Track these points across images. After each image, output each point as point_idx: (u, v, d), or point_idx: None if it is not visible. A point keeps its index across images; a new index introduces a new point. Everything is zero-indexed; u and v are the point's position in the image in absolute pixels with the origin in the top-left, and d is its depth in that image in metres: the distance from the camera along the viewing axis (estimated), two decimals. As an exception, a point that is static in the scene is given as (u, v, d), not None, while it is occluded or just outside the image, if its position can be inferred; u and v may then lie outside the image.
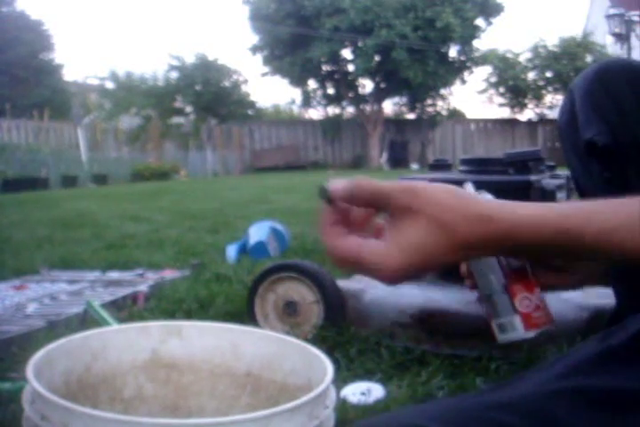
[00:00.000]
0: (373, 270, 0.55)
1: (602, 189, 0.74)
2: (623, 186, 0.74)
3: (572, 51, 21.22)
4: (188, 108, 23.77)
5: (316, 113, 25.56)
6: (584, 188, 0.87)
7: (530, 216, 0.53)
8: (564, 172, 1.75)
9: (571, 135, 0.85)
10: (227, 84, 23.72)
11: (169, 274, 2.67)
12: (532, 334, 0.72)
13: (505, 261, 0.73)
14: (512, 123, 23.21)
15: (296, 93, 34.42)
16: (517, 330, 0.72)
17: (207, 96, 22.62)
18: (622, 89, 0.79)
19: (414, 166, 20.21)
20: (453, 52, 22.29)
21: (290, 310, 1.78)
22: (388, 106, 24.59)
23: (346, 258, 0.56)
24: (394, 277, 0.54)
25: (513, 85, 22.26)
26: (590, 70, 0.84)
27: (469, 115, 23.02)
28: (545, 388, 0.58)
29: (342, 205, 0.59)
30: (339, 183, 0.58)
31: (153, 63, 57.86)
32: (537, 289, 0.74)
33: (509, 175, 1.68)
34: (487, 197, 0.69)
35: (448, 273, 1.71)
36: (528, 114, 23.50)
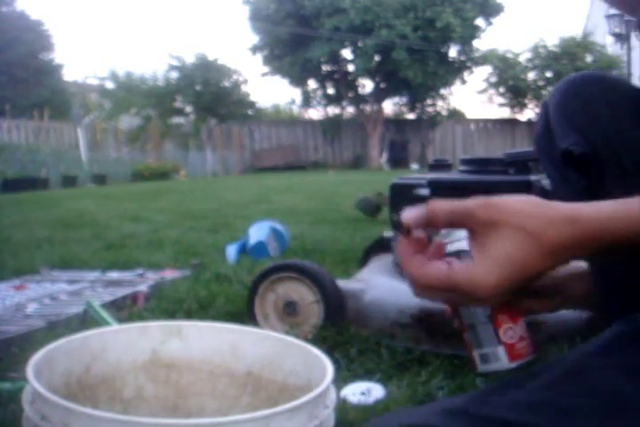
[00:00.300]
0: (470, 292, 0.54)
1: (580, 197, 0.75)
2: (600, 193, 0.75)
3: (571, 51, 21.23)
4: (188, 108, 23.77)
5: (315, 113, 25.59)
6: (563, 197, 0.88)
7: (616, 212, 0.53)
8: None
9: (546, 147, 0.86)
10: (227, 84, 23.72)
11: (169, 274, 2.67)
12: (514, 364, 0.72)
13: None
14: (512, 123, 23.22)
15: (296, 93, 34.42)
16: (501, 361, 0.72)
17: (207, 96, 22.62)
18: (596, 100, 0.79)
19: (414, 166, 20.20)
20: (453, 52, 22.31)
21: (290, 310, 1.78)
22: (388, 106, 24.62)
23: (437, 285, 0.56)
24: (493, 294, 0.54)
25: (513, 85, 22.26)
26: (563, 83, 0.84)
27: (469, 115, 23.04)
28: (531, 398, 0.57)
29: (418, 234, 0.59)
30: (412, 212, 0.57)
31: (153, 63, 57.85)
32: (521, 319, 0.74)
33: (509, 175, 1.68)
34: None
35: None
36: (528, 114, 23.51)
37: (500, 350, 0.72)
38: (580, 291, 0.80)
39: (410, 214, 0.57)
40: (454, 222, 0.56)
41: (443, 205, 0.56)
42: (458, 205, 0.55)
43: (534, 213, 0.53)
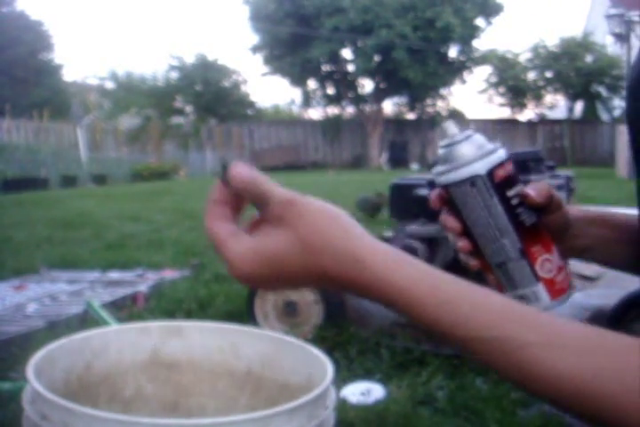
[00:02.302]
0: (227, 265, 0.53)
1: None
2: None
3: (571, 51, 21.22)
4: (188, 108, 23.77)
5: (315, 113, 25.59)
6: None
7: (401, 280, 0.49)
8: (563, 172, 1.76)
9: None
10: (227, 84, 23.72)
11: (169, 274, 2.67)
12: (558, 303, 0.63)
13: (519, 216, 0.62)
14: (512, 123, 23.21)
15: (296, 93, 34.45)
16: (542, 300, 0.63)
17: (207, 96, 22.62)
18: None
19: (414, 166, 20.21)
20: (453, 52, 22.31)
21: (290, 310, 1.78)
22: (388, 106, 24.61)
23: (212, 242, 0.54)
24: (239, 278, 0.52)
25: (513, 85, 22.26)
26: None
27: (469, 115, 23.00)
28: None
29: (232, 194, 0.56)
30: (241, 169, 0.54)
31: (153, 63, 57.87)
32: (554, 246, 0.64)
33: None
34: (471, 135, 0.62)
35: (448, 273, 1.72)
36: (528, 114, 23.51)
37: (540, 287, 0.62)
38: (598, 239, 0.71)
39: (240, 171, 0.53)
40: (255, 202, 0.54)
41: (255, 182, 0.53)
42: (265, 189, 0.53)
43: (326, 235, 0.50)
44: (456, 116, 24.00)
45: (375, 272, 0.49)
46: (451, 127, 0.62)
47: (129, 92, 22.37)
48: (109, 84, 23.47)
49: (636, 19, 16.69)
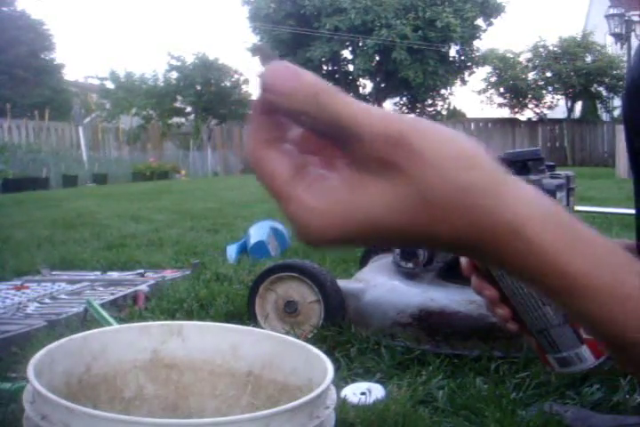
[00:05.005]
0: (295, 223, 0.36)
1: None
2: None
3: (572, 51, 21.21)
4: (188, 108, 23.76)
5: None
6: None
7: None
8: (563, 172, 1.76)
9: None
10: (227, 84, 23.72)
11: (169, 274, 2.67)
12: (601, 360, 0.61)
13: None
14: (512, 123, 23.19)
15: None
16: (586, 361, 0.61)
17: (207, 96, 22.62)
18: None
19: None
20: (453, 52, 22.30)
21: (290, 310, 1.78)
22: (388, 106, 24.59)
23: (269, 189, 0.37)
24: (314, 241, 0.36)
25: (513, 85, 22.24)
26: None
27: (469, 115, 22.98)
28: None
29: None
30: (286, 75, 0.34)
31: (153, 63, 57.87)
32: None
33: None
34: None
35: (448, 273, 1.71)
36: (528, 114, 23.49)
37: (584, 349, 0.60)
38: None
39: (283, 79, 0.34)
40: (337, 135, 0.34)
41: (336, 106, 0.34)
42: (356, 121, 0.33)
43: (463, 187, 0.33)
44: (456, 115, 23.99)
45: (536, 248, 0.35)
46: None
47: (129, 93, 22.35)
48: (110, 85, 23.46)
49: (636, 19, 16.68)
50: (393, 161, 0.33)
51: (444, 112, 23.53)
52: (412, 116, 0.36)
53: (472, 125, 23.50)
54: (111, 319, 1.67)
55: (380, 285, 1.78)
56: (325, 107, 0.33)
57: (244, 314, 1.86)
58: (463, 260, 0.63)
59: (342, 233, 0.35)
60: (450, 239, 0.35)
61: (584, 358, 0.60)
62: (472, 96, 29.63)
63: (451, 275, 1.70)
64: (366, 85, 23.41)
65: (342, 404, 1.24)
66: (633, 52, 0.73)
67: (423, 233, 0.35)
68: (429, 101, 23.46)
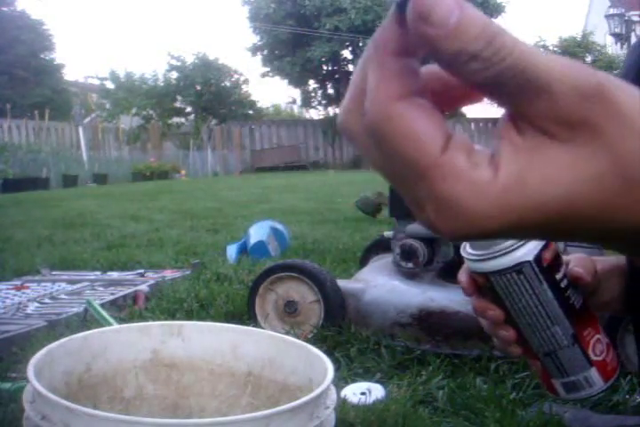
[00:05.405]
0: (454, 207, 0.26)
1: None
2: None
3: (571, 51, 21.22)
4: (188, 108, 23.77)
5: (316, 113, 25.58)
6: None
7: None
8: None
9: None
10: (227, 83, 23.73)
11: (169, 274, 2.67)
12: (610, 383, 0.59)
13: (570, 300, 0.56)
14: (512, 123, 23.19)
15: (296, 93, 34.47)
16: (595, 385, 0.58)
17: (207, 96, 22.63)
18: None
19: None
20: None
21: (290, 310, 1.78)
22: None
23: (409, 160, 0.26)
24: (478, 231, 0.27)
25: (513, 85, 22.25)
26: None
27: (469, 115, 22.99)
28: None
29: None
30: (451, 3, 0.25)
31: (153, 63, 57.87)
32: (599, 323, 0.59)
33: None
34: None
35: (448, 273, 1.71)
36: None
37: (593, 372, 0.57)
38: (618, 291, 0.64)
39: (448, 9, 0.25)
40: (515, 90, 0.25)
41: (482, 18, 0.25)
42: (541, 66, 0.25)
43: None
44: (457, 115, 23.99)
45: None
46: None
47: (129, 93, 22.37)
48: (110, 85, 23.47)
49: (636, 19, 16.68)
50: (589, 120, 0.25)
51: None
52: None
53: (472, 125, 23.52)
54: (111, 319, 1.67)
55: (380, 285, 1.78)
56: (504, 49, 0.25)
57: (244, 314, 1.86)
58: (463, 278, 0.59)
59: (520, 220, 0.26)
60: (637, 229, 0.27)
61: (593, 382, 0.58)
62: (472, 96, 29.55)
63: (451, 275, 1.70)
64: (366, 85, 23.41)
65: (342, 404, 1.24)
66: (627, 55, 0.73)
67: (614, 219, 0.27)
68: (429, 101, 23.47)
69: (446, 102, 0.29)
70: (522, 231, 0.27)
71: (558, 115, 0.25)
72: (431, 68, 0.29)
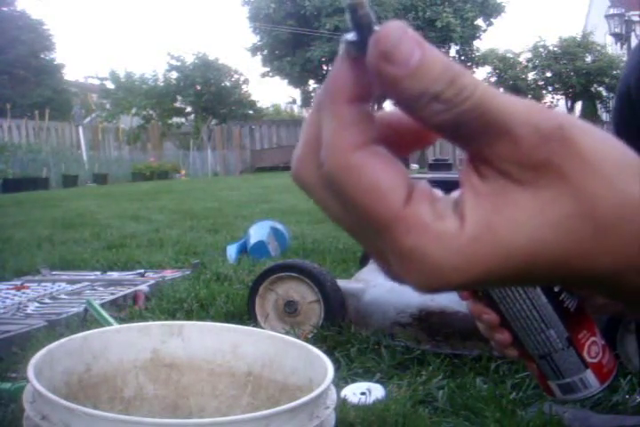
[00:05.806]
0: (420, 262, 0.25)
1: None
2: None
3: (571, 51, 21.22)
4: (188, 108, 23.77)
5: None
6: None
7: None
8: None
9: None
10: (227, 83, 23.73)
11: (169, 274, 2.67)
12: (606, 384, 0.59)
13: (564, 303, 0.57)
14: (512, 123, 23.19)
15: (296, 93, 34.47)
16: (591, 387, 0.59)
17: (207, 96, 22.63)
18: None
19: (414, 166, 20.18)
20: (453, 52, 22.31)
21: (290, 310, 1.78)
22: (388, 106, 24.58)
23: (368, 212, 0.25)
24: (447, 284, 0.26)
25: (513, 85, 22.25)
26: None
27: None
28: None
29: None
30: (408, 41, 0.25)
31: (153, 63, 57.90)
32: (595, 325, 0.59)
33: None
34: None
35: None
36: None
37: (589, 374, 0.58)
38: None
39: (406, 46, 0.24)
40: (481, 135, 0.25)
41: (483, 101, 0.25)
42: (504, 113, 0.25)
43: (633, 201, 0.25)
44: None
45: None
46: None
47: (129, 93, 22.37)
48: (110, 85, 23.47)
49: (636, 19, 16.68)
50: (551, 161, 0.24)
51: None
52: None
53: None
54: (111, 319, 1.67)
55: (380, 285, 1.78)
56: (465, 90, 0.24)
57: (244, 314, 1.86)
58: None
59: (489, 271, 0.25)
60: (608, 273, 0.26)
61: (588, 384, 0.58)
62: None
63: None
64: (366, 85, 23.43)
65: (342, 404, 1.24)
66: (628, 56, 0.73)
67: (583, 265, 0.25)
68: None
69: (400, 148, 0.28)
70: (493, 281, 0.26)
71: (520, 157, 0.25)
72: (381, 114, 0.28)
